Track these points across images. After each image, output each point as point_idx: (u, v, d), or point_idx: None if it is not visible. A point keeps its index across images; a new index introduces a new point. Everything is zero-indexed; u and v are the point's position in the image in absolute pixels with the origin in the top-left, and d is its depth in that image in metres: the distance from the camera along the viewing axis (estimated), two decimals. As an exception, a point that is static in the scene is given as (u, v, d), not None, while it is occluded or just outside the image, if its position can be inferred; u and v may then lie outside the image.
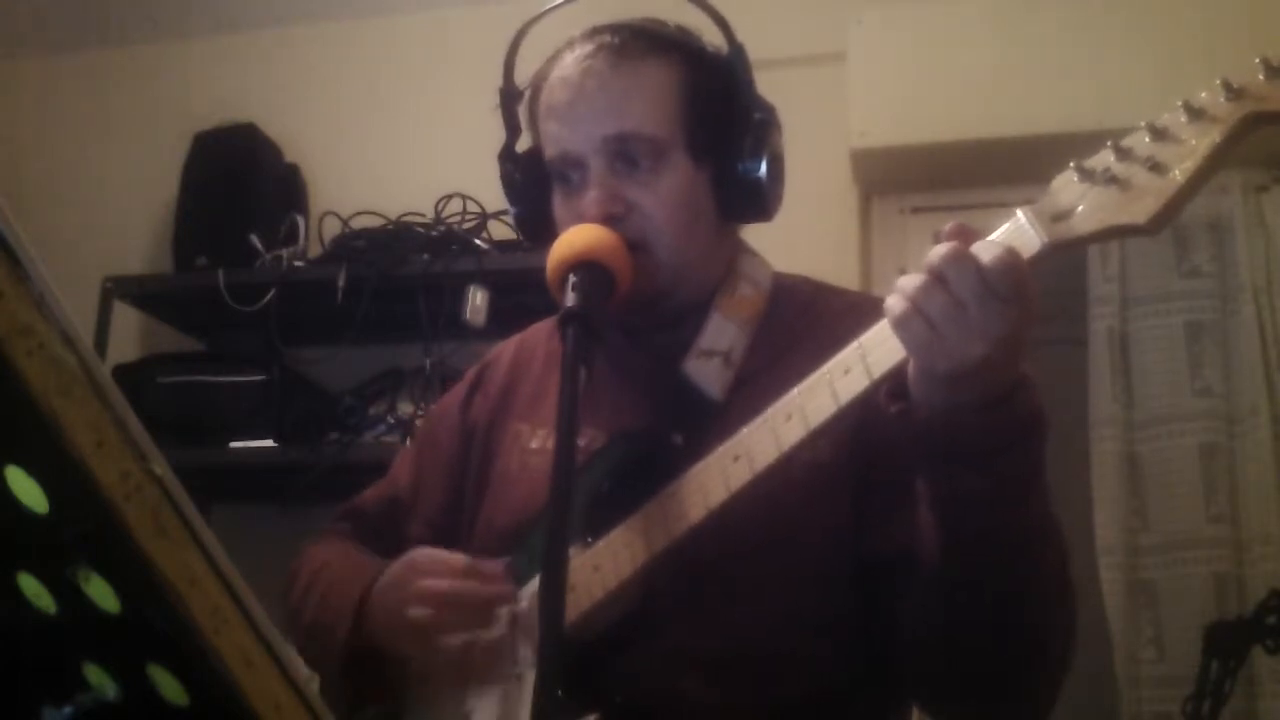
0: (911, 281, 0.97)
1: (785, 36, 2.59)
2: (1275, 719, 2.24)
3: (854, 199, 2.79)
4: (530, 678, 1.22)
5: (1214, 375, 2.47)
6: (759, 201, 1.31)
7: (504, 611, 1.22)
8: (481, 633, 1.21)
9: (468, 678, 1.25)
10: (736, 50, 1.32)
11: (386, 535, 1.48)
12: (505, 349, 1.53)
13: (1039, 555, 1.07)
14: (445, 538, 1.43)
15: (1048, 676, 1.13)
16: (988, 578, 1.06)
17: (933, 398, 1.00)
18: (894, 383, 1.03)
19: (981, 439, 0.99)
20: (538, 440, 1.38)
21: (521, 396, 1.44)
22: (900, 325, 0.98)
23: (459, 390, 1.53)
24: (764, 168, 1.29)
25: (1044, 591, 1.09)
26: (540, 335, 1.50)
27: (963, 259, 0.95)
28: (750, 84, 1.32)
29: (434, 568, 1.24)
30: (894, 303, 0.98)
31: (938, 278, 0.95)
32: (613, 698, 1.17)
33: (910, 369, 1.01)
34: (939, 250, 0.96)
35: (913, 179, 2.76)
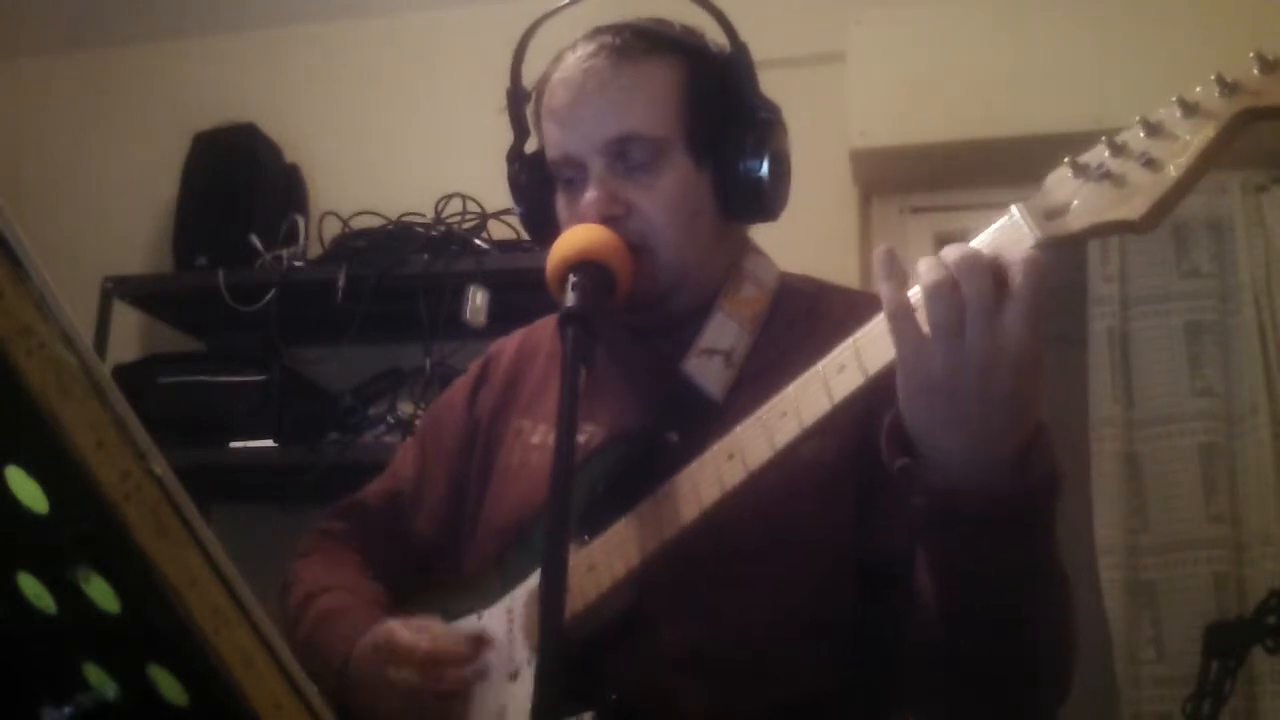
0: (929, 274, 0.92)
1: (785, 36, 2.59)
2: (1275, 719, 2.24)
3: (854, 199, 2.79)
4: (527, 675, 1.22)
5: (1214, 375, 2.47)
6: (761, 201, 1.30)
7: (481, 683, 1.23)
8: (461, 710, 1.22)
9: None
10: (739, 49, 1.32)
11: (388, 531, 1.48)
12: (509, 342, 1.53)
13: (1044, 620, 1.06)
14: (449, 531, 1.44)
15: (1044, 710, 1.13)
16: (988, 643, 1.05)
17: (939, 440, 0.96)
18: (899, 435, 0.99)
19: (994, 502, 0.95)
20: (539, 436, 1.38)
21: (524, 391, 1.45)
22: (895, 319, 0.94)
23: (464, 383, 1.53)
24: (765, 167, 1.28)
25: (1046, 653, 1.08)
26: (545, 330, 1.50)
27: (978, 266, 0.91)
28: (753, 83, 1.32)
29: (400, 657, 1.22)
30: (890, 294, 0.94)
31: (949, 279, 0.91)
32: (607, 696, 1.17)
33: (899, 380, 0.96)
34: (953, 251, 0.92)
35: (913, 179, 2.76)
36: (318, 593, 1.40)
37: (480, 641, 1.25)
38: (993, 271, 0.91)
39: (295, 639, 1.36)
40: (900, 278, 0.94)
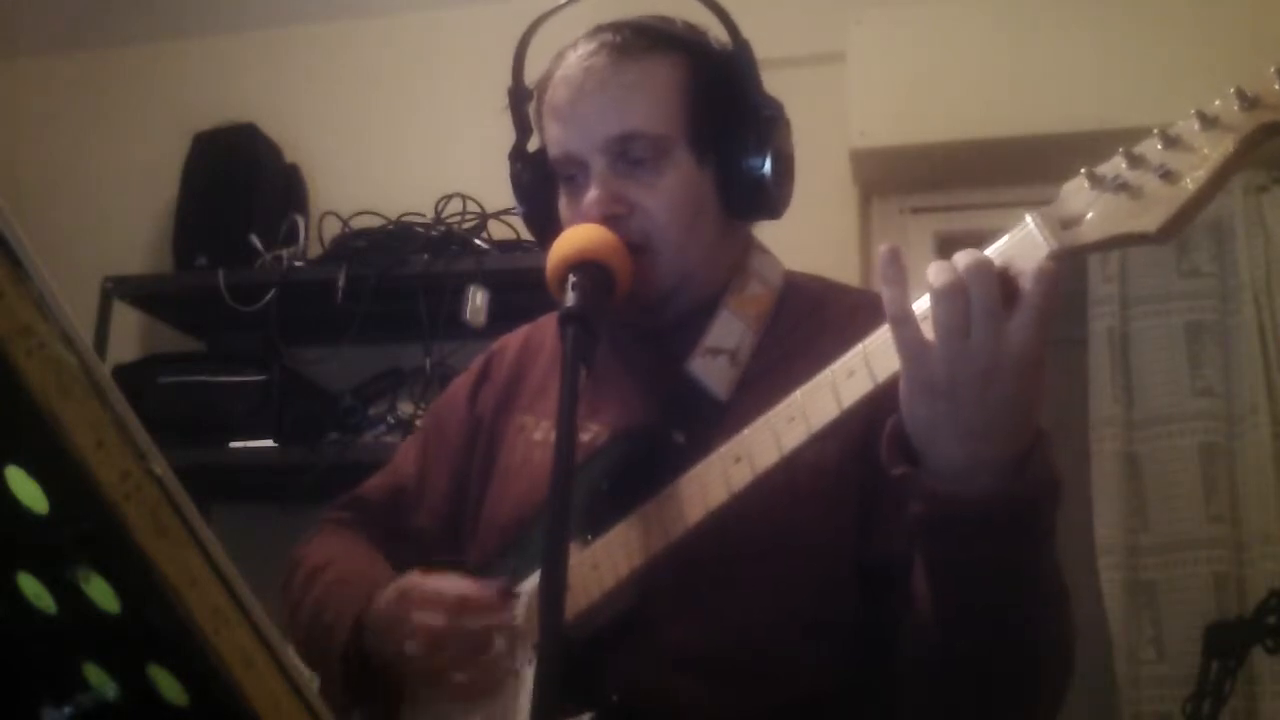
0: (938, 277, 0.92)
1: (785, 36, 2.59)
2: (1275, 719, 2.24)
3: (854, 199, 2.79)
4: (528, 674, 1.22)
5: (1214, 375, 2.47)
6: (764, 199, 1.30)
7: (501, 637, 1.22)
8: (480, 663, 1.21)
9: (467, 695, 1.25)
10: (741, 46, 1.31)
11: (390, 526, 1.48)
12: (513, 339, 1.53)
13: (1042, 624, 1.05)
14: (451, 528, 1.44)
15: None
16: (985, 644, 1.04)
17: (939, 445, 0.96)
18: (900, 441, 0.99)
19: (993, 506, 0.95)
20: (541, 433, 1.38)
21: (527, 388, 1.45)
22: (897, 323, 0.94)
23: (466, 380, 1.53)
24: (768, 165, 1.28)
25: (1044, 657, 1.08)
26: (549, 328, 1.50)
27: (986, 272, 0.91)
28: (756, 80, 1.31)
29: (427, 600, 1.22)
30: (892, 298, 0.94)
31: (957, 282, 0.91)
32: (608, 696, 1.17)
33: (901, 385, 0.96)
34: (964, 256, 0.92)
35: (913, 179, 2.76)
36: (327, 564, 1.40)
37: (507, 595, 1.23)
38: (1002, 278, 0.91)
39: (303, 605, 1.36)
40: (903, 281, 0.94)
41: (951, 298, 0.91)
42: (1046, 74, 2.51)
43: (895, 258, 0.95)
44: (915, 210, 2.82)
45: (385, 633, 1.25)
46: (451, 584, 1.23)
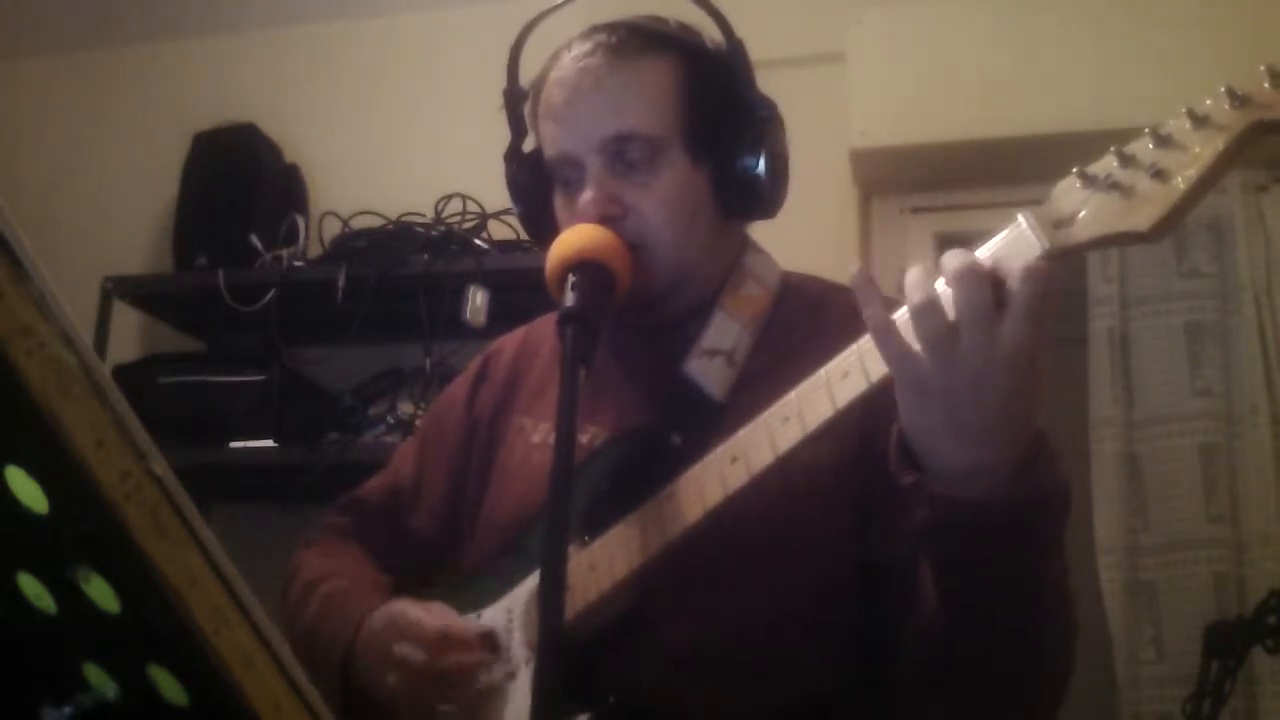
0: (914, 293, 0.91)
1: (785, 36, 2.59)
2: (1275, 719, 2.24)
3: (854, 199, 2.79)
4: (525, 675, 1.22)
5: (1214, 375, 2.47)
6: (760, 198, 1.30)
7: (482, 679, 1.22)
8: (463, 694, 1.21)
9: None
10: (735, 46, 1.31)
11: (388, 528, 1.48)
12: (510, 340, 1.53)
13: (1045, 625, 1.05)
14: (449, 528, 1.44)
15: None
16: (986, 644, 1.04)
17: (939, 452, 0.95)
18: (906, 448, 0.99)
19: (995, 511, 0.95)
20: (540, 435, 1.38)
21: (526, 389, 1.45)
22: (880, 339, 0.94)
23: (463, 382, 1.53)
24: (763, 164, 1.28)
25: (1045, 668, 1.07)
26: (546, 328, 1.50)
27: (973, 276, 0.90)
28: (750, 80, 1.31)
29: (411, 632, 1.21)
30: (871, 315, 0.93)
31: (932, 303, 0.90)
32: (606, 698, 1.17)
33: (896, 393, 0.96)
34: (953, 259, 0.91)
35: (913, 179, 2.76)
36: (322, 579, 1.40)
37: (490, 639, 1.24)
38: (992, 280, 0.91)
39: (298, 624, 1.36)
40: (877, 298, 0.94)
41: (929, 314, 0.90)
42: (1046, 74, 2.51)
43: (865, 278, 0.94)
44: (915, 210, 2.82)
45: (372, 664, 1.25)
46: (433, 616, 1.22)
